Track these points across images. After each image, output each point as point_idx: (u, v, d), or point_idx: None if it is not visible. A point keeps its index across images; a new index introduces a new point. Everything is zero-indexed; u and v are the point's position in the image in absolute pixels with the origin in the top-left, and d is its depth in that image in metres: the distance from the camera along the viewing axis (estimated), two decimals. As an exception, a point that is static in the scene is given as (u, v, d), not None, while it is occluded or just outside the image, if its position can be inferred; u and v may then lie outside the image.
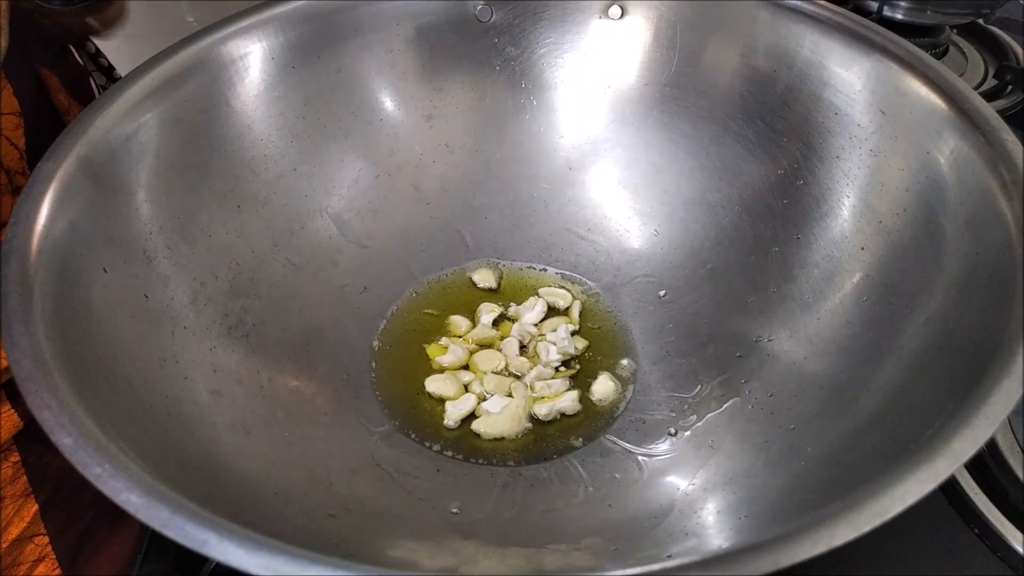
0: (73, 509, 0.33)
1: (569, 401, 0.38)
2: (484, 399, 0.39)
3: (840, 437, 0.30)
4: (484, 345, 0.42)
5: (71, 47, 0.38)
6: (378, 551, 0.30)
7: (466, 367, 0.41)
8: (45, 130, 0.32)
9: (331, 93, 0.43)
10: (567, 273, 0.46)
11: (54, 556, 0.31)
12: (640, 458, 0.36)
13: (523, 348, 0.42)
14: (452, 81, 0.46)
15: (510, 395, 0.39)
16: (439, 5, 0.44)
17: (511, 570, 0.30)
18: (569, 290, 0.44)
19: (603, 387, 0.39)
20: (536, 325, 0.43)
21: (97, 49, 0.41)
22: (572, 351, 0.41)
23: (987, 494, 0.35)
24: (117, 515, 0.33)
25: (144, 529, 0.34)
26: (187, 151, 0.37)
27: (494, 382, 0.40)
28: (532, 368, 0.40)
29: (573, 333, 0.42)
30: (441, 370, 0.41)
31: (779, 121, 0.40)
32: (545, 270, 0.46)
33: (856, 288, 0.35)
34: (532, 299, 0.44)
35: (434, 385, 0.40)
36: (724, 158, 0.43)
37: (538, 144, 0.47)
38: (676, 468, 0.35)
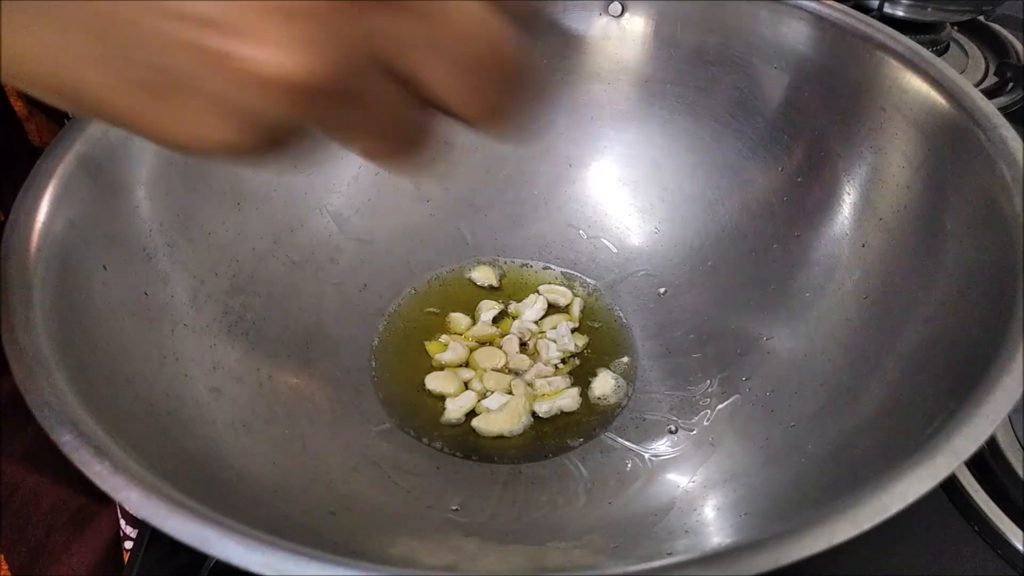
0: (25, 523, 0.31)
1: (569, 399, 0.38)
2: (484, 396, 0.39)
3: (840, 435, 0.30)
4: (484, 342, 0.42)
5: None
6: (378, 549, 0.30)
7: (466, 364, 0.41)
8: (6, 138, 0.31)
9: (331, 90, 0.43)
10: (567, 271, 0.45)
11: (7, 569, 0.30)
12: (640, 456, 0.36)
13: (523, 345, 0.42)
14: (452, 78, 0.46)
15: (510, 392, 0.39)
16: (439, 2, 0.44)
17: (511, 568, 0.30)
18: (570, 287, 0.44)
19: (603, 384, 0.39)
20: (536, 322, 0.43)
21: None
22: (572, 348, 0.41)
23: (988, 492, 0.35)
24: (75, 529, 0.32)
25: (109, 543, 0.33)
26: (187, 148, 0.37)
27: (494, 379, 0.40)
28: (532, 366, 0.40)
29: (573, 331, 0.42)
30: (441, 367, 0.41)
31: (779, 118, 0.40)
32: (547, 267, 0.46)
33: (856, 286, 0.35)
34: (532, 296, 0.44)
35: (434, 382, 0.40)
36: (725, 155, 0.43)
37: (538, 141, 0.47)
38: (676, 466, 0.35)
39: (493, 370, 0.40)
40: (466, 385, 0.40)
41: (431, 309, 0.43)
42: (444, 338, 0.42)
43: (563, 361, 0.41)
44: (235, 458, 0.30)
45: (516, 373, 0.40)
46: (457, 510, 0.33)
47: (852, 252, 0.36)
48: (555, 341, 0.41)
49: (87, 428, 0.22)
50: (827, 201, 0.38)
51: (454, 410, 0.38)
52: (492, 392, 0.39)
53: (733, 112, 0.42)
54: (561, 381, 0.40)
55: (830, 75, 0.38)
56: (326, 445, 0.35)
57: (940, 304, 0.30)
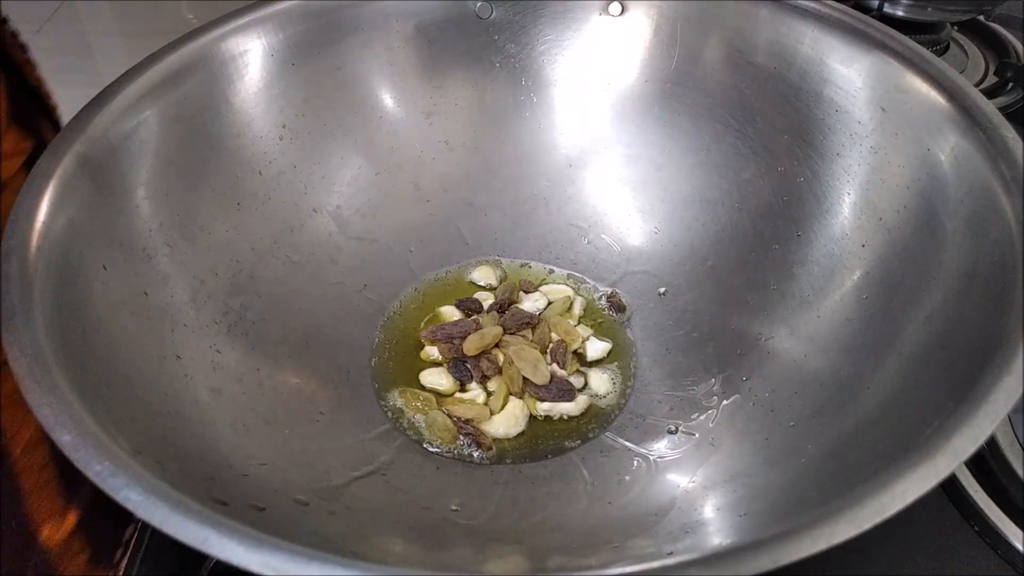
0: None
1: (574, 405, 0.38)
2: (488, 394, 0.39)
3: (840, 435, 0.30)
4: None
5: None
6: (378, 549, 0.30)
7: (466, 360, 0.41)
8: None
9: (331, 90, 0.43)
10: (567, 271, 0.46)
11: None
12: (640, 456, 0.36)
13: (528, 327, 0.41)
14: (452, 78, 0.46)
15: (510, 393, 0.39)
16: (439, 3, 0.44)
17: (511, 568, 0.30)
18: (571, 287, 0.44)
19: (603, 385, 0.39)
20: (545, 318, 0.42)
21: None
22: (598, 354, 0.41)
23: (987, 492, 0.35)
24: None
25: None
26: (187, 149, 0.37)
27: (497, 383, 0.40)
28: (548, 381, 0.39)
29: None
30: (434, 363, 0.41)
31: (779, 118, 0.40)
32: (548, 268, 0.46)
33: (856, 286, 0.35)
34: (534, 294, 0.44)
35: (429, 378, 0.40)
36: (724, 155, 0.43)
37: (538, 141, 0.47)
38: (676, 466, 0.35)
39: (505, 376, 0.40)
40: (463, 386, 0.40)
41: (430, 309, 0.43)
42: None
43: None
44: (235, 458, 0.30)
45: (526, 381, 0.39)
46: (457, 510, 0.33)
47: (852, 252, 0.36)
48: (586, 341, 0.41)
49: (87, 428, 0.22)
50: (827, 201, 0.38)
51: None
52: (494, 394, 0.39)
53: (733, 112, 0.42)
54: (574, 381, 0.39)
55: (830, 75, 0.38)
56: (326, 445, 0.35)
57: (940, 304, 0.30)
